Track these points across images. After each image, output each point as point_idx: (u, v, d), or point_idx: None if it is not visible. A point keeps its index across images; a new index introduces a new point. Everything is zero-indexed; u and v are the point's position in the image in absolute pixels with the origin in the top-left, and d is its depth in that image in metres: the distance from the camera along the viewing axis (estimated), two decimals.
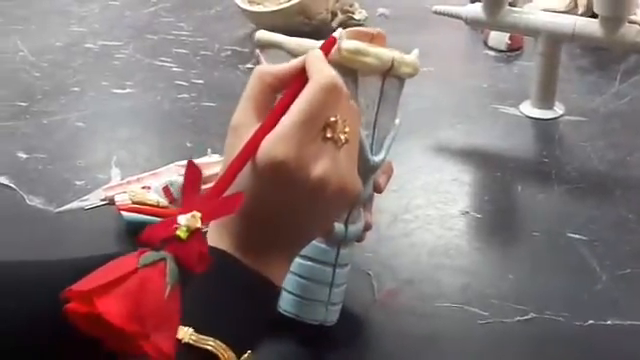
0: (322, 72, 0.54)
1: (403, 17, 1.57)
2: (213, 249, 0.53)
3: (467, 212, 0.97)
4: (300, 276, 0.73)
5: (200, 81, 1.34)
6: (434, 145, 1.12)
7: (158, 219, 0.92)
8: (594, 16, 1.21)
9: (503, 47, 1.42)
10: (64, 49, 1.49)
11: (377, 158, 0.70)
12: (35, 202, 1.02)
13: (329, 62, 0.63)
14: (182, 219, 0.46)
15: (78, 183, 1.05)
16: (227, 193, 0.50)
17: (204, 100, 1.27)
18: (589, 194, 1.00)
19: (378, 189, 0.73)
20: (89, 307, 0.41)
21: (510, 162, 1.08)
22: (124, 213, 0.94)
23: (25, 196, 1.03)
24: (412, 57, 0.69)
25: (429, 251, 0.90)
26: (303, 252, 0.71)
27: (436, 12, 1.20)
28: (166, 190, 0.94)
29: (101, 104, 1.28)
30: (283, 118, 0.52)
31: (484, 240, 0.93)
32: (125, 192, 0.96)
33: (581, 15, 1.31)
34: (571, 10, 1.40)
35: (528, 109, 1.21)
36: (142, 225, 0.89)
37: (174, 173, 1.01)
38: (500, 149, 1.12)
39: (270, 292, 0.56)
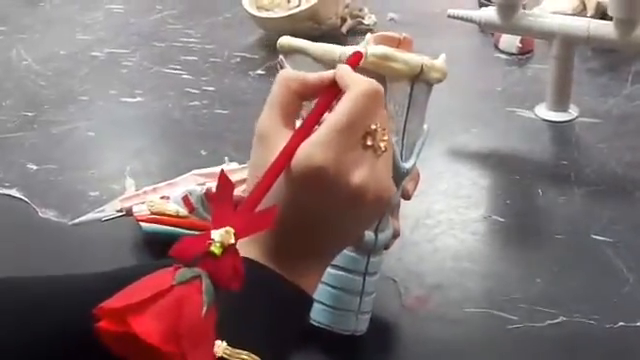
0: (361, 79, 0.54)
1: (412, 22, 1.58)
2: (245, 259, 0.53)
3: (489, 216, 0.97)
4: (330, 286, 0.73)
5: (211, 88, 1.34)
6: (451, 150, 1.13)
7: (178, 229, 0.92)
8: (603, 18, 1.22)
9: (514, 50, 1.42)
10: (69, 57, 1.49)
11: (407, 165, 0.70)
12: (48, 214, 1.02)
13: (360, 67, 0.63)
14: (216, 235, 0.45)
15: (92, 194, 1.05)
16: (261, 205, 0.49)
17: (216, 107, 1.27)
18: (609, 196, 1.01)
19: (406, 195, 0.74)
20: (123, 326, 0.41)
21: (528, 165, 1.08)
22: (143, 224, 0.94)
23: (37, 209, 1.03)
24: (440, 62, 0.70)
25: (453, 256, 0.91)
26: (333, 261, 0.71)
27: (450, 16, 1.21)
28: (185, 200, 0.94)
29: (110, 113, 1.28)
30: (321, 126, 0.52)
31: (508, 244, 0.93)
32: (143, 202, 0.96)
33: (591, 17, 1.32)
34: (580, 12, 1.41)
35: (543, 112, 1.21)
36: (162, 236, 0.91)
37: (192, 182, 1.00)
38: (518, 152, 1.12)
39: (304, 302, 0.55)
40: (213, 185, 0.94)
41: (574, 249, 0.91)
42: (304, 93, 0.56)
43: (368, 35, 0.69)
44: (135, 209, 0.96)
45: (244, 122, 1.20)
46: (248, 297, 0.50)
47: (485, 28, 1.23)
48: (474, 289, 0.85)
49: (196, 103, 1.29)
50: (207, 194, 0.93)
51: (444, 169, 1.08)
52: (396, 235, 0.76)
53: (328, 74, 0.56)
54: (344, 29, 1.53)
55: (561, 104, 1.20)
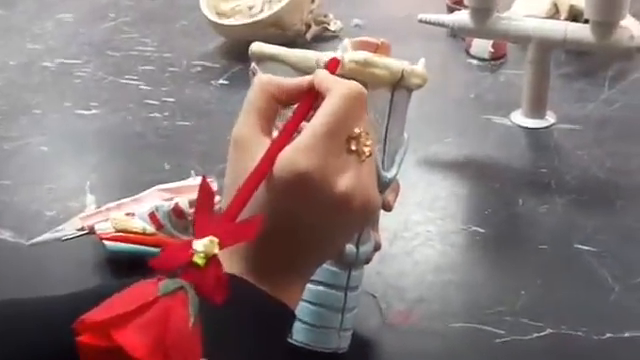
0: (343, 82, 0.54)
1: (378, 27, 1.60)
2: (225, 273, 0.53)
3: (469, 227, 0.99)
4: (311, 302, 0.74)
5: (171, 99, 1.35)
6: (426, 160, 1.15)
7: (145, 247, 0.92)
8: (575, 21, 1.25)
9: (486, 55, 1.45)
10: (19, 68, 1.49)
11: (389, 174, 0.71)
12: (4, 235, 1.01)
13: (338, 74, 0.64)
14: (199, 245, 0.45)
15: (49, 212, 1.05)
16: (242, 215, 0.50)
17: (178, 119, 1.28)
18: (592, 204, 1.03)
19: (387, 207, 0.75)
20: (106, 340, 0.41)
21: (507, 174, 1.11)
22: (107, 242, 0.93)
23: None
24: (421, 67, 0.71)
25: (434, 269, 0.92)
26: (313, 276, 0.72)
27: (421, 21, 1.23)
28: (152, 216, 0.94)
29: (66, 126, 1.28)
30: (304, 130, 0.52)
31: (490, 255, 0.95)
32: (106, 220, 0.96)
33: (564, 20, 1.35)
34: (553, 16, 1.44)
35: (520, 119, 1.24)
36: (128, 255, 0.91)
37: (157, 198, 1.01)
38: (495, 161, 1.15)
39: (286, 317, 0.56)
40: (181, 200, 0.94)
41: (558, 259, 0.93)
42: (282, 98, 0.56)
43: (346, 40, 0.70)
44: (98, 227, 0.95)
45: (208, 134, 1.21)
46: (229, 312, 0.50)
47: (458, 33, 1.25)
48: (457, 302, 0.87)
49: (156, 115, 1.30)
50: (175, 210, 0.93)
51: (419, 180, 1.10)
52: (377, 248, 0.77)
53: (307, 79, 0.56)
54: (309, 36, 1.54)
55: (538, 110, 1.23)
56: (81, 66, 1.49)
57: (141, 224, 0.93)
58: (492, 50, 1.44)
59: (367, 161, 0.55)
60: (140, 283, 0.44)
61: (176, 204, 0.93)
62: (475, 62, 1.45)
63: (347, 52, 0.69)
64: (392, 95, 0.70)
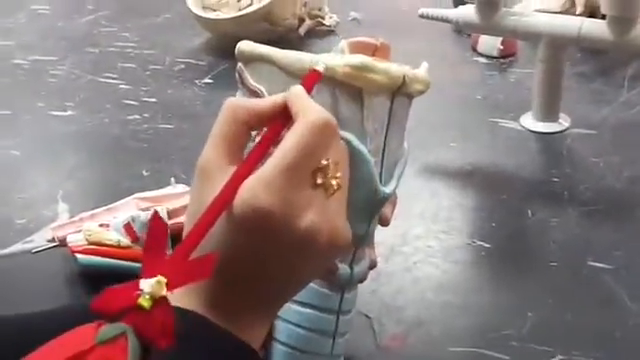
0: (311, 109, 0.54)
1: (378, 22, 1.59)
2: (180, 310, 0.51)
3: (473, 242, 0.98)
4: (299, 326, 0.72)
5: (152, 100, 1.34)
6: (427, 167, 1.13)
7: (120, 262, 0.91)
8: (592, 16, 1.24)
9: (495, 53, 1.44)
10: None
11: (388, 189, 0.69)
12: None
13: (329, 80, 0.63)
14: (145, 285, 0.45)
15: (19, 221, 1.04)
16: (197, 251, 0.49)
17: (159, 121, 1.27)
18: (608, 216, 1.02)
19: (385, 221, 0.73)
20: None
21: (516, 183, 1.09)
22: (79, 256, 0.92)
23: None
24: (423, 72, 0.70)
25: (434, 287, 0.91)
26: (301, 298, 0.71)
27: (422, 16, 1.21)
28: (128, 228, 0.93)
29: (39, 129, 1.27)
30: (266, 162, 0.52)
31: (495, 273, 0.94)
32: (79, 231, 0.95)
33: (579, 16, 1.33)
34: (567, 10, 1.43)
35: (530, 122, 1.22)
36: (101, 269, 0.90)
37: (134, 207, 1.00)
38: (503, 169, 1.13)
39: (247, 357, 0.55)
40: (160, 210, 0.93)
41: (570, 277, 0.92)
42: (254, 124, 0.56)
43: (342, 42, 0.68)
44: (70, 239, 0.94)
45: (192, 138, 1.20)
46: (186, 353, 0.49)
47: (463, 29, 1.24)
48: (459, 325, 0.85)
49: (136, 117, 1.29)
50: (154, 218, 0.92)
51: (419, 189, 1.08)
52: (372, 266, 0.75)
53: (280, 99, 0.56)
54: (302, 31, 1.53)
55: (550, 113, 1.22)
56: (56, 63, 1.48)
57: (116, 236, 0.93)
58: (501, 47, 1.43)
59: (335, 195, 0.54)
60: (78, 328, 0.43)
61: (155, 211, 0.92)
62: (482, 60, 1.44)
63: (343, 55, 0.68)
64: (391, 103, 0.68)
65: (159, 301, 0.45)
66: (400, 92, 0.68)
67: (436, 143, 1.19)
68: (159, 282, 0.45)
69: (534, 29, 1.16)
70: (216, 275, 0.49)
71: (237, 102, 0.56)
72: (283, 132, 0.54)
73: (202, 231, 0.50)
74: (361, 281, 0.76)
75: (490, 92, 1.33)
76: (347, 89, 0.65)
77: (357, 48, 0.68)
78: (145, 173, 1.13)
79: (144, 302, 0.44)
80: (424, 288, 0.91)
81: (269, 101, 0.56)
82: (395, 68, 0.67)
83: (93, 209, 1.01)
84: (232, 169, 0.53)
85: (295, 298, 0.70)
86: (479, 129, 1.23)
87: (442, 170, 1.13)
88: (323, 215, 0.53)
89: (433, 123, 1.23)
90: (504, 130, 1.22)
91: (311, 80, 0.59)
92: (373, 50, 0.70)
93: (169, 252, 0.48)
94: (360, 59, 0.65)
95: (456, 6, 1.33)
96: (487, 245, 0.97)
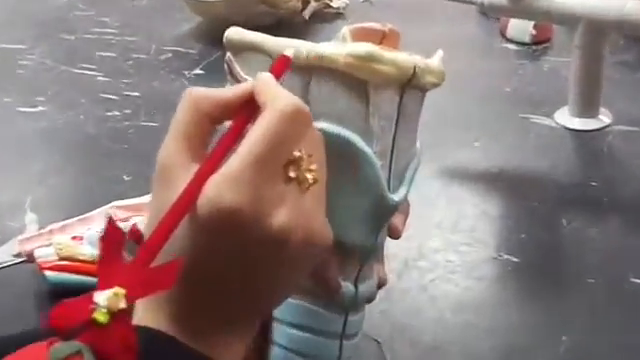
0: (280, 95, 0.54)
1: (392, 3, 1.59)
2: (142, 330, 0.52)
3: (500, 255, 0.98)
4: (298, 353, 0.73)
5: (135, 93, 1.34)
6: (448, 170, 1.14)
7: (94, 279, 0.91)
8: None
9: (527, 39, 1.44)
10: None
11: (397, 196, 0.69)
12: None
13: (329, 72, 0.63)
14: (101, 298, 0.45)
15: None
16: (160, 258, 0.49)
17: (142, 119, 1.27)
18: None
19: (395, 233, 0.73)
20: None
21: (549, 188, 1.09)
22: (48, 273, 0.93)
23: None
24: (437, 62, 0.70)
25: (454, 307, 0.91)
26: (299, 321, 0.71)
27: None
28: None
29: (4, 127, 1.28)
30: (232, 156, 0.52)
31: (524, 291, 0.94)
32: (49, 244, 0.96)
33: None
34: None
35: (566, 118, 1.23)
36: (73, 288, 0.90)
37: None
38: (534, 172, 1.13)
39: None
40: (140, 221, 0.93)
41: (610, 296, 0.92)
42: (218, 116, 0.56)
43: (344, 29, 0.68)
44: (38, 253, 0.95)
45: None
46: None
47: (489, 12, 1.24)
48: (482, 350, 0.86)
49: (116, 113, 1.29)
50: (132, 233, 0.92)
51: (438, 195, 1.09)
52: (381, 284, 0.75)
53: (246, 88, 0.56)
54: (306, 14, 1.54)
55: (588, 108, 1.22)
56: (26, 52, 1.49)
57: (90, 250, 0.93)
58: (534, 32, 1.44)
59: (311, 190, 0.55)
60: (29, 347, 0.44)
61: (133, 225, 0.92)
62: (512, 47, 1.44)
63: (346, 43, 0.68)
64: (401, 97, 0.68)
65: (117, 315, 0.45)
66: (410, 85, 0.68)
67: (457, 142, 1.19)
68: (116, 294, 0.45)
69: (571, 12, 1.16)
70: (182, 285, 0.49)
71: (199, 92, 0.56)
72: (250, 124, 0.54)
73: (163, 235, 0.50)
74: (369, 301, 0.76)
75: (520, 84, 1.33)
76: (350, 82, 0.65)
77: (362, 35, 0.69)
78: (125, 178, 1.13)
79: (100, 317, 0.44)
80: (442, 308, 0.91)
81: (234, 90, 0.56)
82: (404, 58, 0.66)
83: (65, 219, 1.02)
84: (195, 167, 0.53)
85: (292, 321, 0.71)
86: (507, 126, 1.23)
87: (464, 173, 1.13)
88: (297, 212, 0.53)
89: (454, 119, 1.24)
90: (536, 127, 1.22)
91: (280, 66, 0.59)
92: (380, 37, 0.70)
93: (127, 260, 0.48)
94: (365, 48, 0.65)
95: None
96: (515, 259, 0.97)
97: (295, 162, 0.53)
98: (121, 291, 0.45)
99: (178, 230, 0.50)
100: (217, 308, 0.54)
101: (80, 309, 0.45)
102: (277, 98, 0.54)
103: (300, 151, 0.53)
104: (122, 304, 0.45)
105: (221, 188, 0.51)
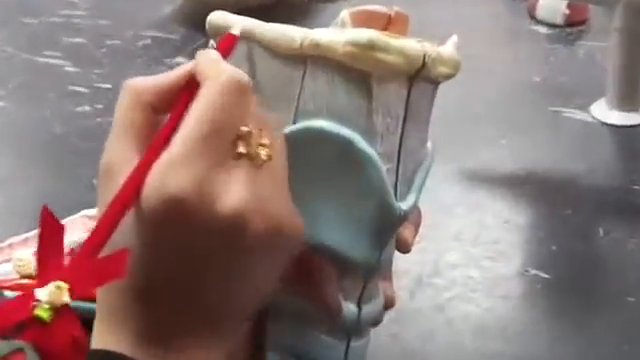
0: (220, 69, 0.55)
1: None
2: (97, 354, 0.52)
3: (527, 270, 0.98)
4: None
5: (107, 86, 1.35)
6: (469, 172, 1.14)
7: None
8: None
9: (559, 20, 1.44)
10: None
11: (405, 204, 0.69)
12: None
13: (326, 62, 0.63)
14: (41, 293, 0.46)
15: None
16: (104, 252, 0.50)
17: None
18: None
19: (404, 246, 0.74)
20: None
21: (584, 193, 1.10)
22: (8, 293, 0.93)
23: None
24: (450, 49, 0.70)
25: (474, 332, 0.91)
26: (295, 347, 0.71)
27: None
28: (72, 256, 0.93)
29: None
30: (174, 138, 0.53)
31: (555, 311, 0.94)
32: (8, 260, 0.96)
33: None
34: None
35: (604, 112, 1.23)
36: None
37: (81, 229, 1.00)
38: (567, 174, 1.14)
39: None
40: None
41: None
42: (160, 103, 0.57)
43: (344, 12, 0.69)
44: None
45: None
46: None
47: None
48: None
49: (86, 108, 1.30)
50: None
51: (457, 201, 1.09)
52: (389, 305, 0.76)
53: (186, 69, 0.57)
54: None
55: (629, 100, 1.22)
56: None
57: None
58: (567, 12, 1.44)
59: (267, 167, 0.55)
60: None
61: None
62: (543, 30, 1.45)
63: (345, 29, 0.68)
64: (409, 91, 0.68)
65: (61, 311, 0.46)
66: (420, 77, 0.68)
67: (479, 140, 1.19)
68: (59, 287, 0.46)
69: None
70: (136, 294, 0.51)
71: (137, 82, 0.57)
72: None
73: (108, 228, 0.51)
74: (375, 324, 0.76)
75: (552, 72, 1.34)
76: (350, 74, 0.65)
77: (364, 20, 0.69)
78: (96, 183, 1.13)
79: (42, 313, 0.45)
80: (460, 331, 0.91)
81: (175, 73, 0.57)
82: (413, 46, 0.66)
83: (27, 231, 1.02)
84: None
85: (286, 346, 0.71)
86: (536, 121, 1.24)
87: (486, 176, 1.14)
88: (252, 193, 0.53)
89: (476, 113, 1.24)
90: (569, 122, 1.23)
91: (226, 44, 0.61)
92: (385, 22, 0.70)
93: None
94: (367, 35, 0.65)
95: None
96: (545, 275, 0.98)
97: (243, 137, 0.54)
98: (63, 285, 0.46)
99: (123, 225, 0.51)
100: (181, 314, 0.54)
101: (20, 307, 0.46)
102: (216, 70, 0.55)
103: (247, 125, 0.54)
104: (65, 298, 0.46)
105: (164, 175, 0.51)
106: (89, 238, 0.50)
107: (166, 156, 0.52)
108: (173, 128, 0.54)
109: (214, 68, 0.55)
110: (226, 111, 0.53)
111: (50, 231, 0.50)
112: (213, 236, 0.53)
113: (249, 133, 0.54)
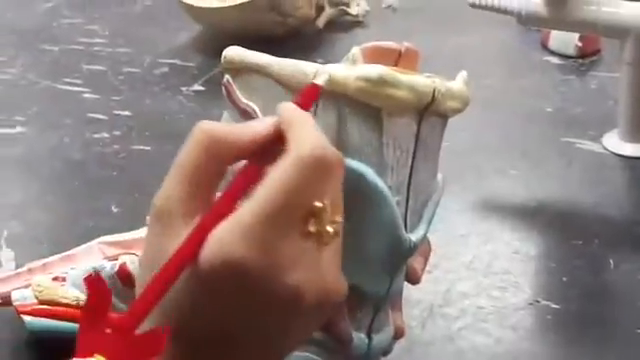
0: (306, 137, 0.54)
1: (421, 9, 1.60)
2: None
3: (537, 301, 0.98)
4: None
5: (125, 113, 1.35)
6: (481, 202, 1.14)
7: (77, 325, 0.92)
8: None
9: (571, 51, 1.44)
10: None
11: (415, 236, 0.70)
12: None
13: (338, 98, 0.64)
14: None
15: None
16: (152, 316, 0.50)
17: (134, 141, 1.28)
18: None
19: (414, 278, 0.74)
20: None
21: (595, 224, 1.10)
22: (27, 318, 0.93)
23: None
24: (459, 84, 0.71)
25: None
26: None
27: (474, 5, 1.22)
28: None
29: None
30: (244, 205, 0.52)
31: (566, 342, 0.94)
32: (27, 286, 0.96)
33: None
34: None
35: (616, 143, 1.23)
36: (54, 335, 0.91)
37: (98, 255, 1.00)
38: (578, 205, 1.14)
39: None
40: (130, 260, 0.94)
41: None
42: (232, 158, 0.56)
43: (355, 48, 0.69)
44: (15, 296, 0.95)
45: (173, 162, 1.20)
46: None
47: (528, 23, 1.24)
48: None
49: (104, 135, 1.30)
50: (121, 273, 0.93)
51: (470, 231, 1.09)
52: (399, 335, 0.76)
53: (268, 128, 0.56)
54: (321, 22, 1.54)
55: None
56: (4, 65, 1.50)
57: (74, 292, 0.93)
58: (579, 44, 1.44)
59: (332, 243, 0.55)
60: None
61: (122, 265, 0.93)
62: (555, 60, 1.45)
63: (356, 64, 0.68)
64: (419, 125, 0.69)
65: None
66: (429, 111, 0.68)
67: (491, 170, 1.20)
68: None
69: (619, 23, 1.16)
70: (177, 349, 0.50)
71: (213, 132, 0.56)
72: (268, 166, 0.54)
73: (156, 295, 0.50)
74: (385, 354, 0.76)
75: (564, 103, 1.34)
76: (361, 109, 0.65)
77: (374, 56, 0.69)
78: (114, 209, 1.14)
79: None
80: None
81: (255, 131, 0.56)
82: (422, 81, 0.67)
83: (45, 257, 1.02)
84: (199, 214, 0.54)
85: None
86: (548, 152, 1.24)
87: (498, 206, 1.14)
88: (314, 272, 0.53)
89: (488, 143, 1.25)
90: (581, 153, 1.23)
91: (308, 97, 0.60)
92: (396, 58, 0.70)
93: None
94: (378, 70, 0.66)
95: None
96: (555, 305, 0.98)
97: (316, 214, 0.53)
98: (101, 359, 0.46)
99: (177, 285, 0.51)
100: None
101: None
102: (303, 140, 0.54)
103: (323, 202, 0.54)
104: None
105: (228, 240, 0.51)
106: (137, 304, 0.50)
107: (233, 220, 0.51)
108: (242, 188, 0.54)
109: (299, 134, 0.55)
110: (302, 188, 0.53)
111: (96, 297, 0.49)
112: (267, 304, 0.53)
113: (322, 209, 0.54)
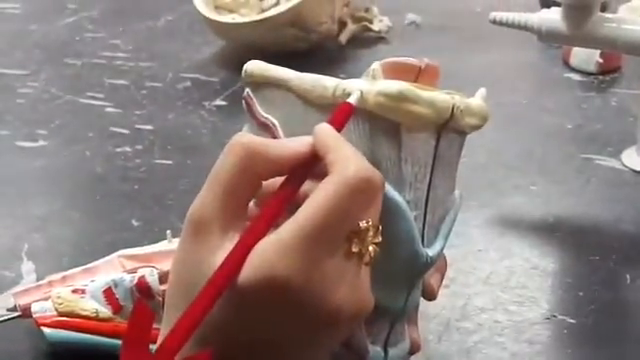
0: (350, 158, 0.55)
1: (443, 26, 1.60)
2: None
3: (554, 316, 0.98)
4: None
5: (148, 127, 1.36)
6: (499, 217, 1.14)
7: (97, 337, 0.92)
8: None
9: (592, 68, 1.44)
10: None
11: (431, 251, 0.70)
12: None
13: (362, 110, 0.64)
14: None
15: None
16: (193, 339, 0.50)
17: (155, 156, 1.29)
18: None
19: (430, 294, 0.74)
20: None
21: (613, 240, 1.10)
22: (47, 330, 0.93)
23: None
24: (478, 101, 0.71)
25: None
26: None
27: (495, 22, 1.22)
28: (108, 294, 0.94)
29: (0, 164, 1.30)
30: (288, 222, 0.53)
31: (582, 357, 0.94)
32: (48, 298, 0.96)
33: None
34: None
35: (635, 160, 1.23)
36: (74, 346, 0.92)
37: (118, 269, 1.01)
38: (597, 221, 1.14)
39: None
40: (148, 273, 0.94)
41: None
42: (268, 172, 0.56)
43: (375, 64, 0.69)
44: (35, 308, 0.95)
45: (196, 177, 1.18)
46: None
47: (548, 41, 1.24)
48: None
49: (126, 149, 1.31)
50: (140, 286, 0.94)
51: (488, 246, 1.09)
52: (415, 349, 0.76)
53: (307, 146, 0.57)
54: (343, 38, 1.55)
55: None
56: (27, 79, 1.51)
57: (93, 305, 0.93)
58: (600, 61, 1.44)
59: (370, 262, 0.56)
60: None
61: (141, 278, 0.93)
62: (576, 77, 1.45)
63: (376, 80, 0.69)
64: (437, 140, 0.69)
65: None
66: (448, 127, 0.69)
67: (510, 186, 1.19)
68: None
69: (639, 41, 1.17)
70: None
71: (250, 143, 0.56)
72: (307, 182, 0.55)
73: (197, 318, 0.50)
74: None
75: (584, 119, 1.34)
76: (380, 124, 0.66)
77: (394, 71, 0.69)
78: (135, 223, 1.15)
79: None
80: None
81: (293, 147, 0.57)
82: (441, 97, 0.67)
83: (66, 270, 1.03)
84: (235, 228, 0.54)
85: None
86: (568, 168, 1.24)
87: (516, 222, 1.14)
88: (354, 290, 0.54)
89: (507, 159, 1.25)
90: (601, 170, 1.23)
91: (342, 116, 0.60)
92: (416, 74, 0.71)
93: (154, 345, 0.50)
94: (398, 86, 0.66)
95: (544, 6, 1.33)
96: (571, 320, 0.98)
97: (359, 234, 0.54)
98: None
99: (218, 303, 0.51)
100: None
101: None
102: (346, 162, 0.54)
103: (367, 222, 0.54)
104: None
105: (272, 256, 0.51)
106: (175, 328, 0.50)
107: (275, 237, 0.52)
108: (282, 205, 0.54)
109: (342, 154, 0.55)
110: (346, 208, 0.53)
111: (139, 323, 0.50)
112: (308, 322, 0.53)
113: (365, 231, 0.54)
